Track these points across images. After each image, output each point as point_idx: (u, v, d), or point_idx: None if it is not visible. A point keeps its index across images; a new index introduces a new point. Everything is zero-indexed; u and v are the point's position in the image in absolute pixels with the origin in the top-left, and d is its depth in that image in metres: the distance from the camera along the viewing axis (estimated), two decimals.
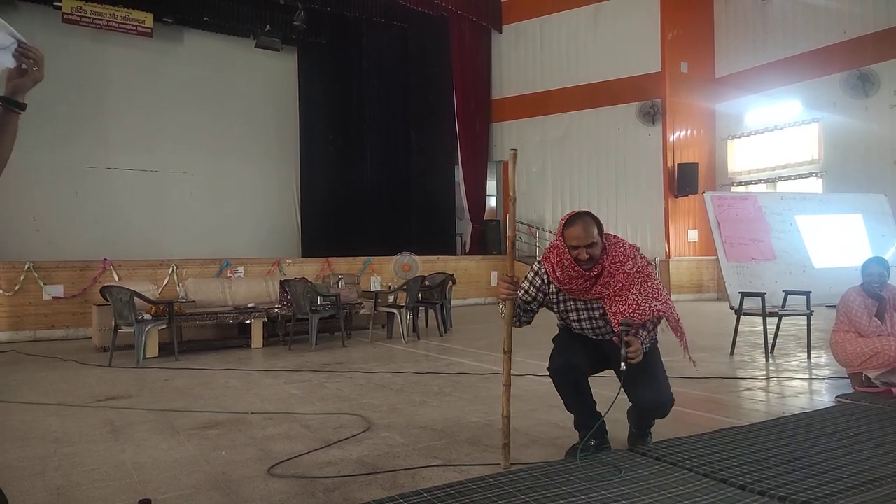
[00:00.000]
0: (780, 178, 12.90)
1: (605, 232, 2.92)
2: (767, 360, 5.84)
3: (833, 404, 4.04)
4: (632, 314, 2.80)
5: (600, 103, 13.88)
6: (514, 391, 4.52)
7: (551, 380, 3.04)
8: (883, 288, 4.44)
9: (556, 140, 14.53)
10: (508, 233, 3.01)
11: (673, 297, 14.45)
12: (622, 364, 2.67)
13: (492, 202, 16.07)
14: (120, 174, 12.72)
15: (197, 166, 13.51)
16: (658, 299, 2.87)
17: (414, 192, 14.88)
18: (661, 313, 2.87)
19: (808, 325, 6.11)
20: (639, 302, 2.83)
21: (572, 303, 2.99)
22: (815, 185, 12.26)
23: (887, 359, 4.21)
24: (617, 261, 2.87)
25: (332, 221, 14.22)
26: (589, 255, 2.81)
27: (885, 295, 4.45)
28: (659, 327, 2.97)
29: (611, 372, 3.03)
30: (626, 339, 2.69)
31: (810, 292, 6.01)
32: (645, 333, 2.86)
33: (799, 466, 2.70)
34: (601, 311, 2.94)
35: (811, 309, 6.07)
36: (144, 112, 12.94)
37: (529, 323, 3.10)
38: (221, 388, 4.98)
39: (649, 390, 2.90)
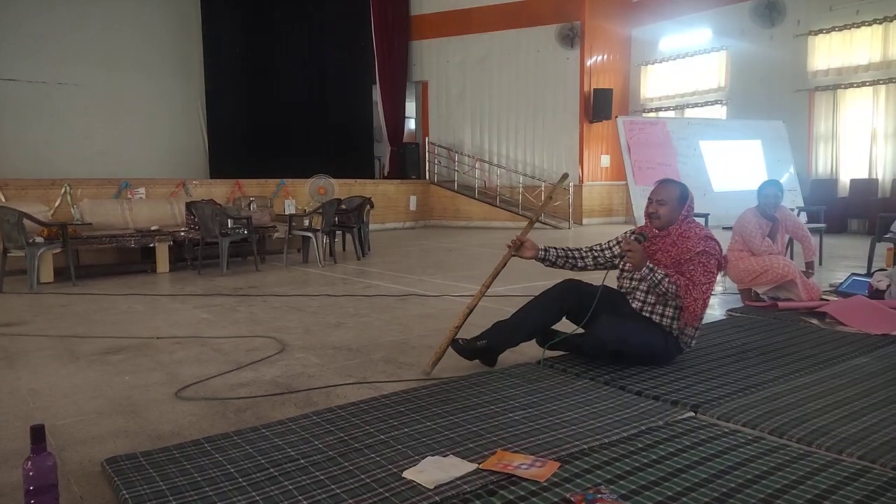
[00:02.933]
0: (688, 105, 13.33)
1: (691, 216, 3.06)
2: None
3: (724, 317, 4.34)
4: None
5: (521, 24, 13.68)
6: (429, 311, 4.62)
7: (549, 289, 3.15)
8: (776, 209, 4.73)
9: (476, 61, 14.27)
10: (534, 215, 3.61)
11: (584, 222, 14.45)
12: (621, 262, 3.14)
13: (411, 125, 15.76)
14: (2, 84, 11.51)
15: (90, 78, 12.36)
16: (687, 278, 2.89)
17: (330, 112, 14.29)
18: (673, 287, 2.86)
19: None
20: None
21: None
22: (720, 111, 12.76)
23: (775, 275, 4.54)
24: (684, 236, 2.99)
25: (242, 141, 13.48)
26: (655, 210, 3.04)
27: (777, 216, 4.76)
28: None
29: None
30: (627, 244, 2.95)
31: (708, 214, 6.32)
32: (662, 274, 2.87)
33: (690, 374, 2.90)
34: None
35: None
36: (30, 16, 11.60)
37: (571, 269, 3.29)
38: (124, 313, 4.77)
39: (599, 326, 2.90)
